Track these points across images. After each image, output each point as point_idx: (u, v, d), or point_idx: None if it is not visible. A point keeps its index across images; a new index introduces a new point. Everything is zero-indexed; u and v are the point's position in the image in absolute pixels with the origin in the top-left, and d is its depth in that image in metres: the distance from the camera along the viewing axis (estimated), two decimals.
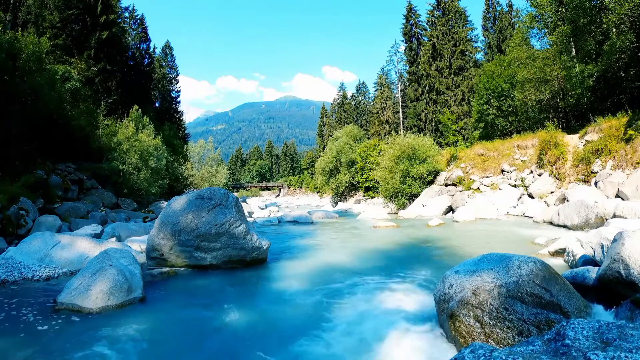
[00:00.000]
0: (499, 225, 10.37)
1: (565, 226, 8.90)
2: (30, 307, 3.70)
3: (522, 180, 15.01)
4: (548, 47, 18.38)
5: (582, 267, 3.86)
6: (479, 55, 34.99)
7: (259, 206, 23.50)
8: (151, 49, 35.72)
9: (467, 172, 17.43)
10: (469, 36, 33.69)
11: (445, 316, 2.91)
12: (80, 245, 5.56)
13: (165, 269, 5.21)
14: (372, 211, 15.83)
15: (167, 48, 39.51)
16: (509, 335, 2.48)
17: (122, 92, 24.91)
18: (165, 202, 13.42)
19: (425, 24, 37.62)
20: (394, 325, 3.19)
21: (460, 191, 16.43)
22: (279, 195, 71.60)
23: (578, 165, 13.23)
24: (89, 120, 17.73)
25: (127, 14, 32.72)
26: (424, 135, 25.25)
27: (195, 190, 6.07)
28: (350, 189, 36.17)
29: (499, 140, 19.01)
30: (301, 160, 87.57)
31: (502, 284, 2.66)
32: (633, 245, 2.99)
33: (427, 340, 2.92)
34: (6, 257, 5.27)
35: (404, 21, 39.31)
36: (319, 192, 48.96)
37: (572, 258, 4.89)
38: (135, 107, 22.92)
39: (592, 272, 3.60)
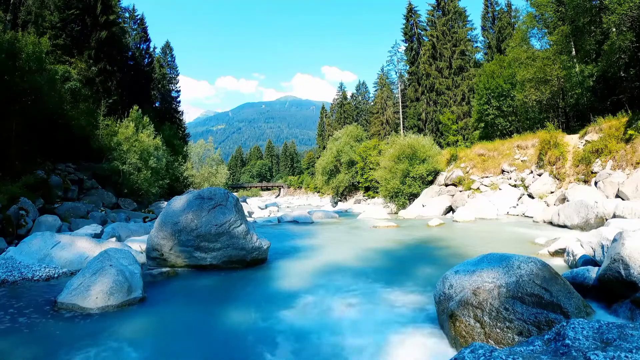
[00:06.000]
0: (499, 225, 10.36)
1: (565, 226, 8.90)
2: (31, 307, 3.70)
3: (522, 180, 15.01)
4: (548, 47, 18.38)
5: (582, 267, 3.86)
6: (479, 55, 35.03)
7: (259, 206, 23.51)
8: (151, 49, 35.74)
9: (467, 172, 17.42)
10: (468, 36, 33.71)
11: (445, 316, 2.91)
12: (80, 245, 5.56)
13: (165, 269, 5.21)
14: (372, 211, 15.81)
15: (167, 48, 39.50)
16: (509, 335, 2.48)
17: (122, 92, 24.92)
18: (165, 202, 13.42)
19: (425, 24, 37.65)
20: (394, 325, 3.19)
21: (460, 191, 16.43)
22: (279, 195, 71.49)
23: (578, 165, 13.22)
24: (89, 120, 17.75)
25: (127, 14, 32.76)
26: (424, 135, 25.25)
27: (195, 190, 6.07)
28: (350, 189, 36.17)
29: (499, 140, 19.00)
30: (301, 160, 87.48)
31: (502, 284, 2.66)
32: (633, 245, 2.99)
33: (427, 340, 2.92)
34: (6, 257, 5.27)
35: (404, 21, 39.33)
36: (319, 192, 48.93)
37: (572, 258, 4.89)
38: (135, 107, 22.92)
39: (592, 272, 3.60)
